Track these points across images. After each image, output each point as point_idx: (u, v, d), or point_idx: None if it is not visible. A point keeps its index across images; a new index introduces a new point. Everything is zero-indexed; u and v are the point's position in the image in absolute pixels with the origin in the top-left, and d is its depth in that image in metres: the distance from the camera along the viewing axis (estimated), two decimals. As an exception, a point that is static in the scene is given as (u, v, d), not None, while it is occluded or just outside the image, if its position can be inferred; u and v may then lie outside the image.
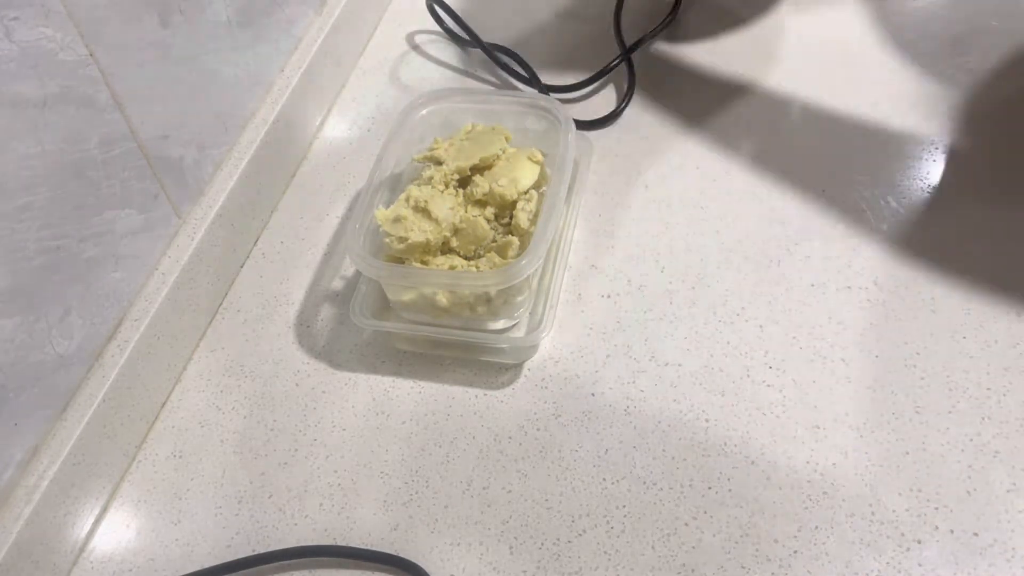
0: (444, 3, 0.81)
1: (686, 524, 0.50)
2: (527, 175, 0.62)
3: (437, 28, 0.83)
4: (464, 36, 0.80)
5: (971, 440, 0.51)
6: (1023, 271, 0.58)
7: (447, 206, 0.60)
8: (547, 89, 0.76)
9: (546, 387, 0.57)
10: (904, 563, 0.47)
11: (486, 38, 0.79)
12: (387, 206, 0.61)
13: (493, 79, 0.79)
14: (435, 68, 0.81)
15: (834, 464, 0.51)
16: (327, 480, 0.54)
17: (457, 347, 0.59)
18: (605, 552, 0.49)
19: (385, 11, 0.88)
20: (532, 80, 0.77)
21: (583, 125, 0.72)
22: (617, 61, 0.76)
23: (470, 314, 0.58)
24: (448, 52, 0.82)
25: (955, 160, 0.66)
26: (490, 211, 0.61)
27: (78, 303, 0.52)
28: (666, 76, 0.76)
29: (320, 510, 0.53)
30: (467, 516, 0.52)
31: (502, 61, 0.78)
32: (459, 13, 0.80)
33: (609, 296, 0.61)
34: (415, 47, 0.84)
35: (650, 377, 0.57)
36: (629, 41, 0.78)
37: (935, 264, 0.59)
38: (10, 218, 0.46)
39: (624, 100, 0.74)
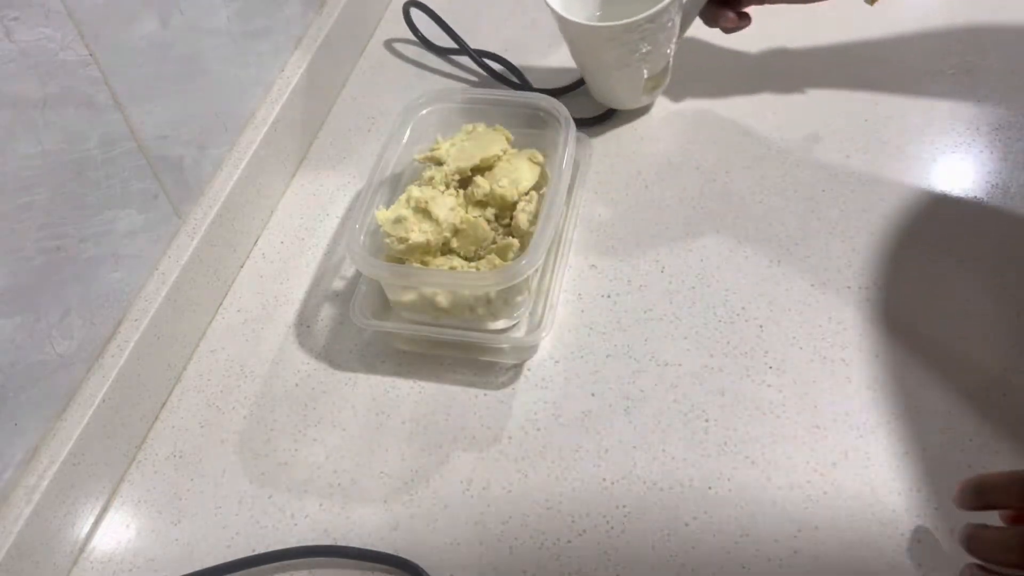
0: (425, 6, 0.80)
1: (686, 524, 0.50)
2: (528, 176, 0.62)
3: (437, 28, 0.83)
4: (452, 44, 0.79)
5: (971, 440, 0.51)
6: (1022, 273, 0.58)
7: (447, 207, 0.60)
8: (526, 84, 0.77)
9: (546, 387, 0.57)
10: (904, 563, 0.47)
11: (474, 44, 0.79)
12: (387, 206, 0.61)
13: (489, 81, 0.79)
14: (435, 68, 0.81)
15: (834, 464, 0.51)
16: (327, 480, 0.54)
17: (457, 347, 0.59)
18: (605, 552, 0.49)
19: (385, 11, 0.88)
20: (524, 85, 0.76)
21: (578, 123, 0.72)
22: None
23: (470, 315, 0.58)
24: (448, 52, 0.82)
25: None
26: (490, 212, 0.61)
27: (78, 303, 0.52)
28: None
29: (320, 510, 0.53)
30: (467, 516, 0.52)
31: (491, 68, 0.77)
32: (446, 19, 0.79)
33: (609, 296, 0.61)
34: (415, 47, 0.84)
35: (650, 377, 0.57)
36: None
37: (935, 263, 0.59)
38: (10, 218, 0.46)
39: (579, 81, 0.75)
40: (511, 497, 0.52)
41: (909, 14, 0.77)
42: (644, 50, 0.65)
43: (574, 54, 0.71)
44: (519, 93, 0.75)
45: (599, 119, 0.73)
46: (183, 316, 0.60)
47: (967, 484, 0.44)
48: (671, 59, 0.69)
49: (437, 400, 0.57)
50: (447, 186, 0.62)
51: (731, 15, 0.68)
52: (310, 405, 0.58)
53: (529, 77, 0.77)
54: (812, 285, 0.60)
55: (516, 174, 0.62)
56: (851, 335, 0.57)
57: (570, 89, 0.76)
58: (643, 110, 0.73)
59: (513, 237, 0.60)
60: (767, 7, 0.69)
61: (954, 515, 0.48)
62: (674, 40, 0.68)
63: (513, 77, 0.77)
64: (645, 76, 0.68)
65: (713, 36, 0.78)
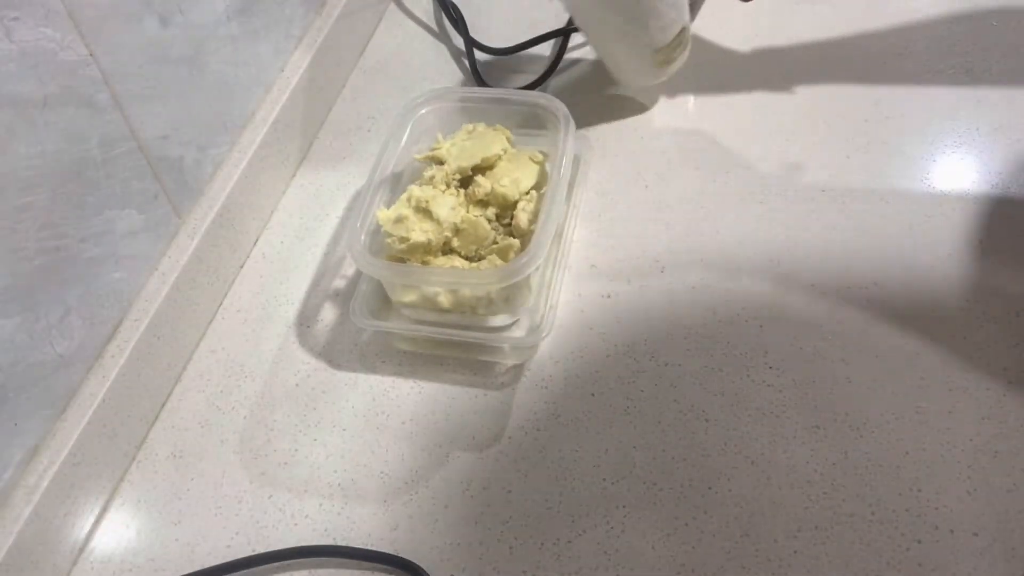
0: None
1: (686, 524, 0.50)
2: (528, 175, 0.62)
3: (437, 28, 0.83)
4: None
5: (971, 440, 0.51)
6: (1021, 271, 0.58)
7: (448, 206, 0.60)
8: (473, 43, 0.79)
9: (546, 387, 0.57)
10: (904, 563, 0.47)
11: None
12: (388, 206, 0.61)
13: (491, 80, 0.79)
14: (435, 68, 0.81)
15: (834, 464, 0.51)
16: (327, 480, 0.54)
17: (457, 347, 0.59)
18: (605, 552, 0.49)
19: (385, 11, 0.88)
20: (458, 23, 0.81)
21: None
22: (548, 35, 0.78)
23: (471, 314, 0.58)
24: (448, 52, 0.82)
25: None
26: (491, 211, 0.61)
27: (78, 303, 0.52)
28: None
29: (320, 510, 0.53)
30: (467, 516, 0.52)
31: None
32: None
33: (609, 296, 0.61)
34: (415, 47, 0.84)
35: (650, 377, 0.57)
36: None
37: (935, 263, 0.59)
38: (10, 218, 0.46)
39: (548, 70, 0.76)
40: (511, 497, 0.52)
41: (909, 14, 0.78)
42: (646, 10, 0.60)
43: (579, 24, 0.68)
44: (519, 92, 0.75)
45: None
46: (183, 316, 0.60)
47: None
48: (688, 31, 0.64)
49: (437, 400, 0.57)
50: (448, 185, 0.62)
51: None
52: (310, 405, 0.58)
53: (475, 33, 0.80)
54: (812, 285, 0.60)
55: (517, 173, 0.62)
56: (851, 335, 0.57)
57: (506, 52, 0.79)
58: (643, 108, 0.73)
59: (514, 237, 0.60)
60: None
61: (954, 515, 0.48)
62: (685, 8, 0.63)
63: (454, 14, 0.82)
64: (653, 47, 0.63)
65: (714, 35, 0.78)
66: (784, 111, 0.71)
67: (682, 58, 0.67)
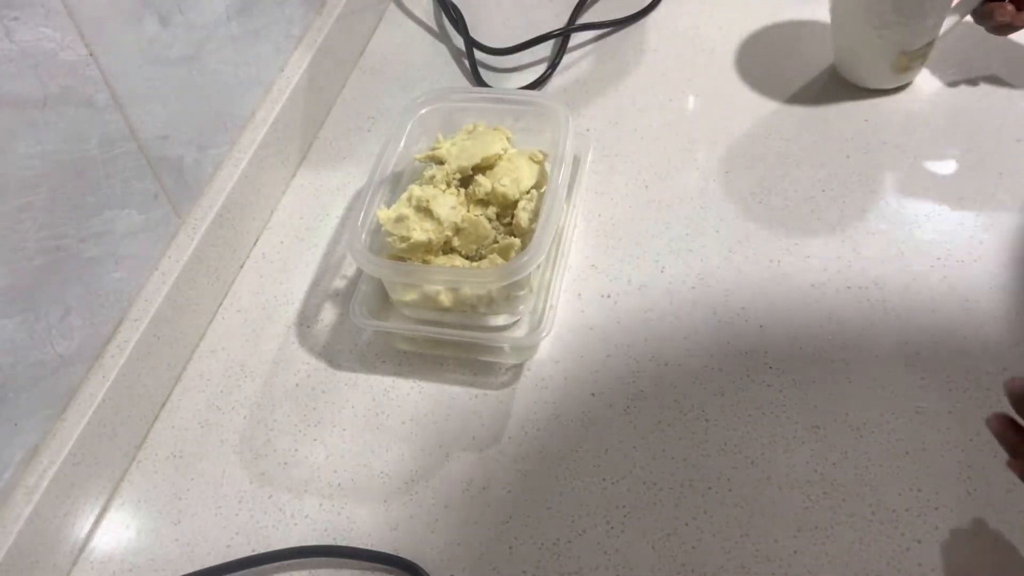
0: None
1: (686, 524, 0.50)
2: (529, 175, 0.62)
3: (437, 28, 0.83)
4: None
5: (971, 440, 0.51)
6: (1020, 272, 0.58)
7: (449, 205, 0.60)
8: (473, 43, 0.79)
9: (546, 387, 0.57)
10: (904, 563, 0.47)
11: None
12: (388, 206, 0.61)
13: (491, 80, 0.79)
14: (435, 68, 0.81)
15: (834, 464, 0.51)
16: (327, 480, 0.54)
17: (457, 347, 0.59)
18: (605, 552, 0.49)
19: (385, 11, 0.88)
20: (458, 23, 0.80)
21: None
22: (548, 35, 0.78)
23: (472, 313, 0.58)
24: (447, 51, 0.82)
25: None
26: (492, 211, 0.61)
27: (78, 303, 0.52)
28: (651, 68, 0.76)
29: (320, 510, 0.53)
30: (467, 516, 0.52)
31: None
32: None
33: (609, 296, 0.61)
34: (415, 47, 0.84)
35: (650, 376, 0.57)
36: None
37: (935, 264, 0.59)
38: (10, 218, 0.46)
39: (548, 71, 0.76)
40: (511, 497, 0.52)
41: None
42: (917, 9, 0.62)
43: (832, 11, 0.69)
44: (519, 92, 0.75)
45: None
46: (183, 316, 0.60)
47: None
48: (933, 47, 0.66)
49: (437, 400, 0.57)
50: (448, 185, 0.62)
51: (1009, 6, 0.61)
52: (310, 405, 0.58)
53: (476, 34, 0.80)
54: (812, 285, 0.60)
55: (517, 173, 0.62)
56: (851, 335, 0.57)
57: (506, 52, 0.78)
58: (643, 109, 0.73)
59: (514, 236, 0.60)
60: None
61: (954, 515, 0.48)
62: (945, 12, 0.64)
63: (454, 14, 0.82)
64: (903, 47, 0.65)
65: (714, 28, 0.78)
66: (783, 112, 0.71)
67: (918, 71, 0.69)
